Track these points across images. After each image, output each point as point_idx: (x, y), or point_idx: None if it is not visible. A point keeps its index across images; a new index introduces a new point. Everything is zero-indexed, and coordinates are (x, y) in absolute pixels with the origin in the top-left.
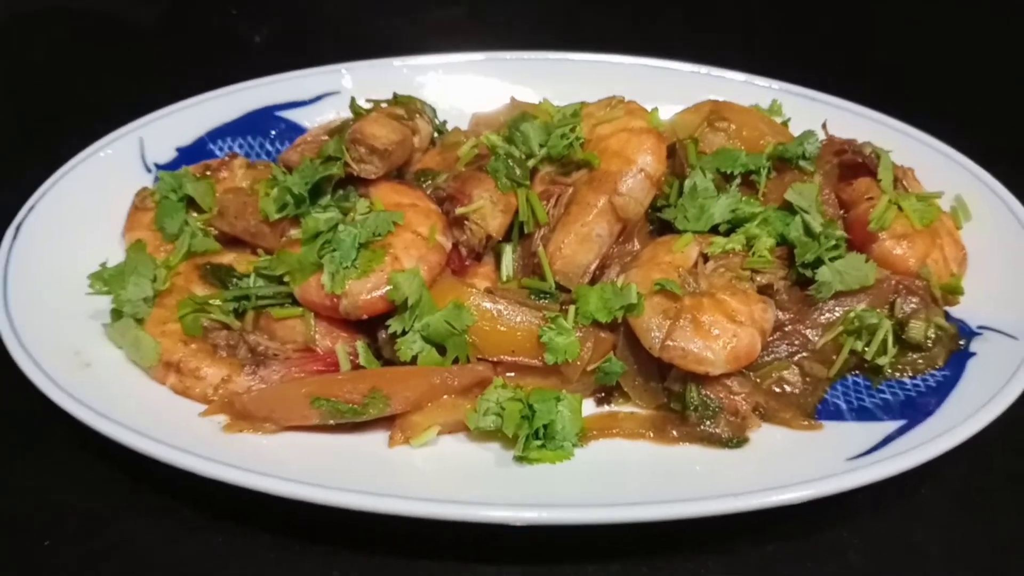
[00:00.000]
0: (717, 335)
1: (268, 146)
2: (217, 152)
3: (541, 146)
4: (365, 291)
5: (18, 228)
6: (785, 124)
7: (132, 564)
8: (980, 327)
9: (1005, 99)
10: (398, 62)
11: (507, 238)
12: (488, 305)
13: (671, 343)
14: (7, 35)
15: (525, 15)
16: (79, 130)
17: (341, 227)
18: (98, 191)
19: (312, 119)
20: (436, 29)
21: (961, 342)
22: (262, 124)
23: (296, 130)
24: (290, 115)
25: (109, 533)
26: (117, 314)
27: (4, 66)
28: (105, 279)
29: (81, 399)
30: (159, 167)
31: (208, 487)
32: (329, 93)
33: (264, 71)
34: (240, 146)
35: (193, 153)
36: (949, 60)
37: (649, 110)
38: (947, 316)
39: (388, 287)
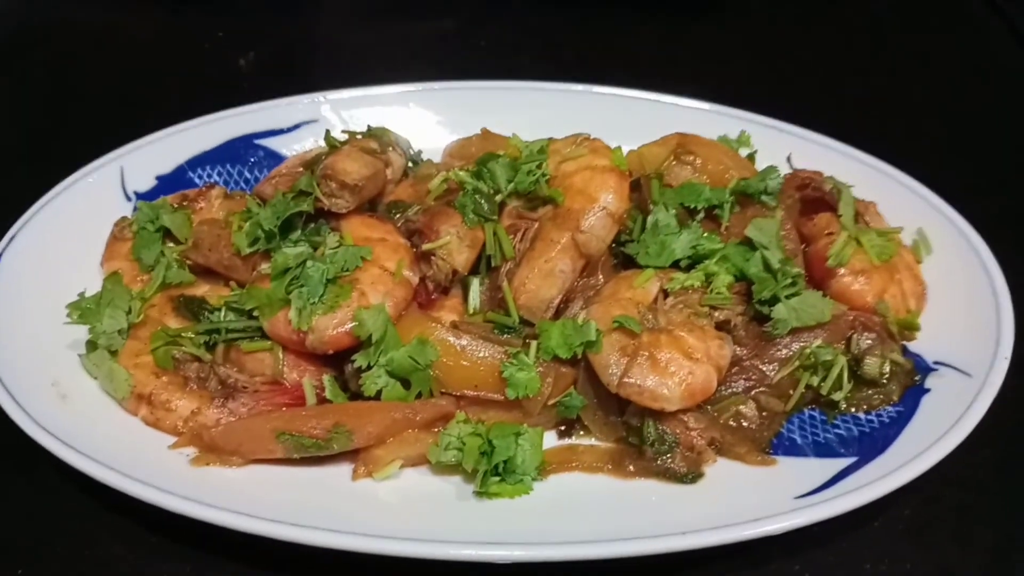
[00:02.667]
0: (673, 372)
1: (247, 174)
2: (197, 180)
3: (508, 182)
4: (331, 327)
5: None
6: (752, 157)
7: None
8: (936, 362)
9: (971, 132)
10: (376, 90)
11: (475, 271)
12: (452, 340)
13: (628, 380)
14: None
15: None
16: (64, 155)
17: (309, 263)
18: (79, 220)
19: (291, 147)
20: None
21: (916, 378)
22: (241, 152)
23: (275, 158)
24: (269, 143)
25: (91, 556)
26: (92, 345)
27: None
28: (82, 310)
29: (55, 433)
30: (139, 196)
31: (178, 516)
32: (308, 121)
33: (250, 94)
34: (219, 174)
35: (173, 181)
36: (918, 93)
37: (614, 146)
38: (905, 351)
39: (354, 323)
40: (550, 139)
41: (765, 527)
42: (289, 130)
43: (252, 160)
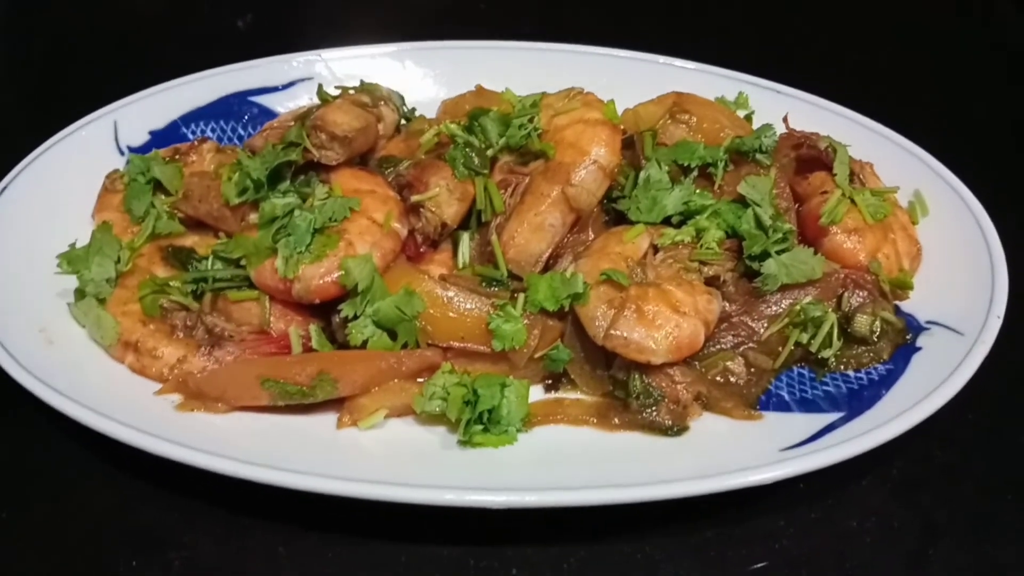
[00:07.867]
0: (660, 325)
1: (240, 131)
2: (190, 136)
3: (500, 136)
4: (318, 276)
5: None
6: (749, 118)
7: (93, 528)
8: (928, 322)
9: (969, 97)
10: (371, 49)
11: (466, 226)
12: (439, 291)
13: (614, 332)
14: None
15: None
16: (61, 112)
17: (297, 212)
18: (71, 172)
19: (285, 105)
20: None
21: (908, 336)
22: (235, 109)
23: (269, 115)
24: (263, 100)
25: (76, 501)
26: (80, 293)
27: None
28: (71, 259)
29: (41, 376)
30: (132, 150)
31: (163, 461)
32: (303, 79)
33: (248, 56)
34: (213, 130)
35: (166, 136)
36: (919, 63)
37: (606, 101)
38: (897, 310)
39: (340, 272)
40: (543, 93)
41: (750, 477)
42: (284, 87)
43: (246, 117)
